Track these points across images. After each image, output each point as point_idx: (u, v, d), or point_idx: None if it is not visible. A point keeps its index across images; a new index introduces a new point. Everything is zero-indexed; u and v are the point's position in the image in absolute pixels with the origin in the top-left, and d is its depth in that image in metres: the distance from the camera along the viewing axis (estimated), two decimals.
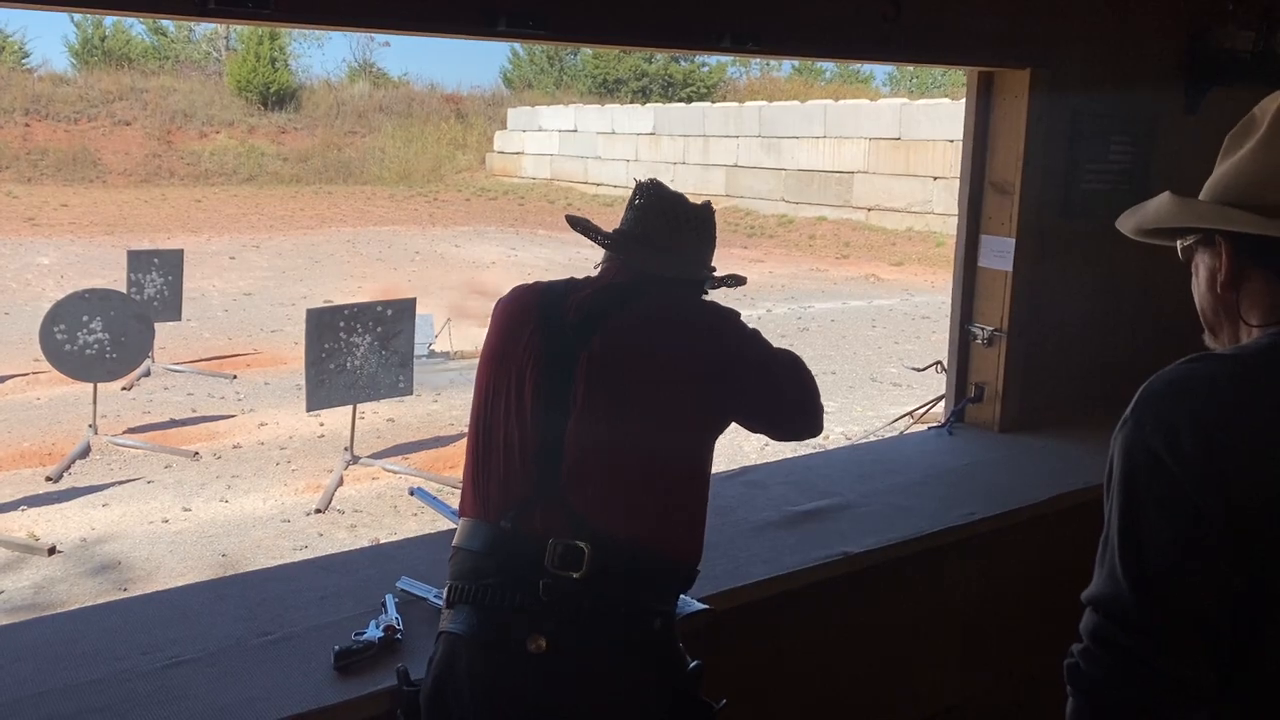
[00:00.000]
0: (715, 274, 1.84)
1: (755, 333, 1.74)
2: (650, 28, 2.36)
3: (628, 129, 22.47)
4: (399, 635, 1.90)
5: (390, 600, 2.02)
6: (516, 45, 32.47)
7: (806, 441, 2.74)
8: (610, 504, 1.56)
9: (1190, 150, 3.68)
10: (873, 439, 4.38)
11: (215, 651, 1.89)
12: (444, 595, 1.63)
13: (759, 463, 3.25)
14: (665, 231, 1.75)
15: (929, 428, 3.44)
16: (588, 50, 31.10)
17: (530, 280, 1.83)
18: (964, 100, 3.36)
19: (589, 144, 23.08)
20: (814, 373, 1.82)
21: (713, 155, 20.74)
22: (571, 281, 1.73)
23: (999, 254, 3.26)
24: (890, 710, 2.92)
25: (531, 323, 1.65)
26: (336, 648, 1.84)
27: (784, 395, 1.75)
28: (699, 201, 1.89)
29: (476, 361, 1.77)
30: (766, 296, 12.62)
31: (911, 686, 2.93)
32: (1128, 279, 3.55)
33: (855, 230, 17.65)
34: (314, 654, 1.87)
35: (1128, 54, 3.36)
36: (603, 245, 1.77)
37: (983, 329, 3.30)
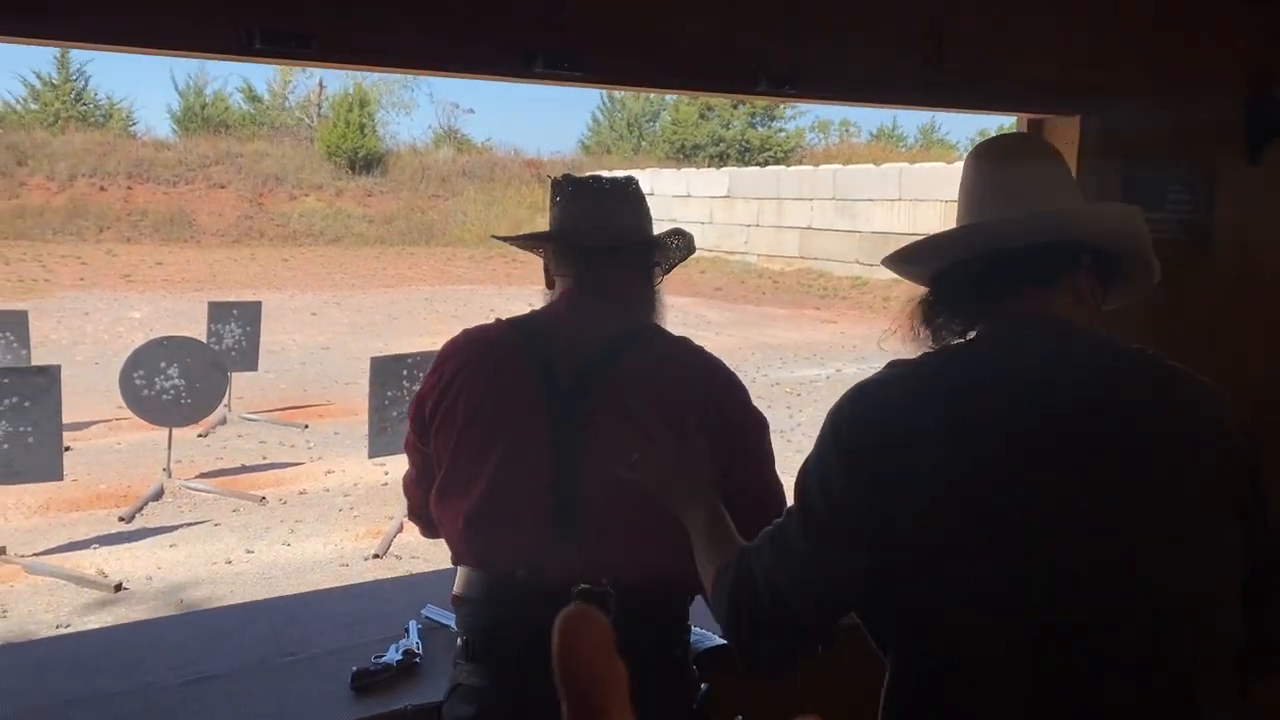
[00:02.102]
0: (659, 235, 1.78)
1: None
2: (687, 71, 2.41)
3: (703, 192, 22.72)
4: (418, 659, 1.92)
5: (413, 626, 2.04)
6: (597, 112, 33.25)
7: None
8: (629, 549, 1.56)
9: (1251, 201, 3.63)
10: None
11: (239, 669, 1.93)
12: (460, 647, 1.62)
13: None
14: (594, 208, 1.68)
15: None
16: (666, 117, 31.65)
17: None
18: None
19: (664, 207, 23.36)
20: None
21: (787, 218, 20.82)
22: (535, 319, 1.68)
23: None
24: None
25: (527, 372, 1.61)
26: (354, 668, 1.86)
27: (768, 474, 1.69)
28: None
29: None
30: (837, 357, 12.55)
31: None
32: (1193, 329, 3.47)
33: None
34: (334, 674, 1.90)
35: (1184, 104, 3.31)
36: (543, 242, 1.74)
37: None
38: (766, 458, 1.68)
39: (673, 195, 23.25)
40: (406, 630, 2.03)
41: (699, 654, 1.84)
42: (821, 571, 1.18)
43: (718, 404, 1.63)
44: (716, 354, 1.76)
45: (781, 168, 22.87)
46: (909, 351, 1.35)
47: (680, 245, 1.81)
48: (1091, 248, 1.31)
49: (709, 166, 25.50)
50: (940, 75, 2.80)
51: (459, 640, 1.63)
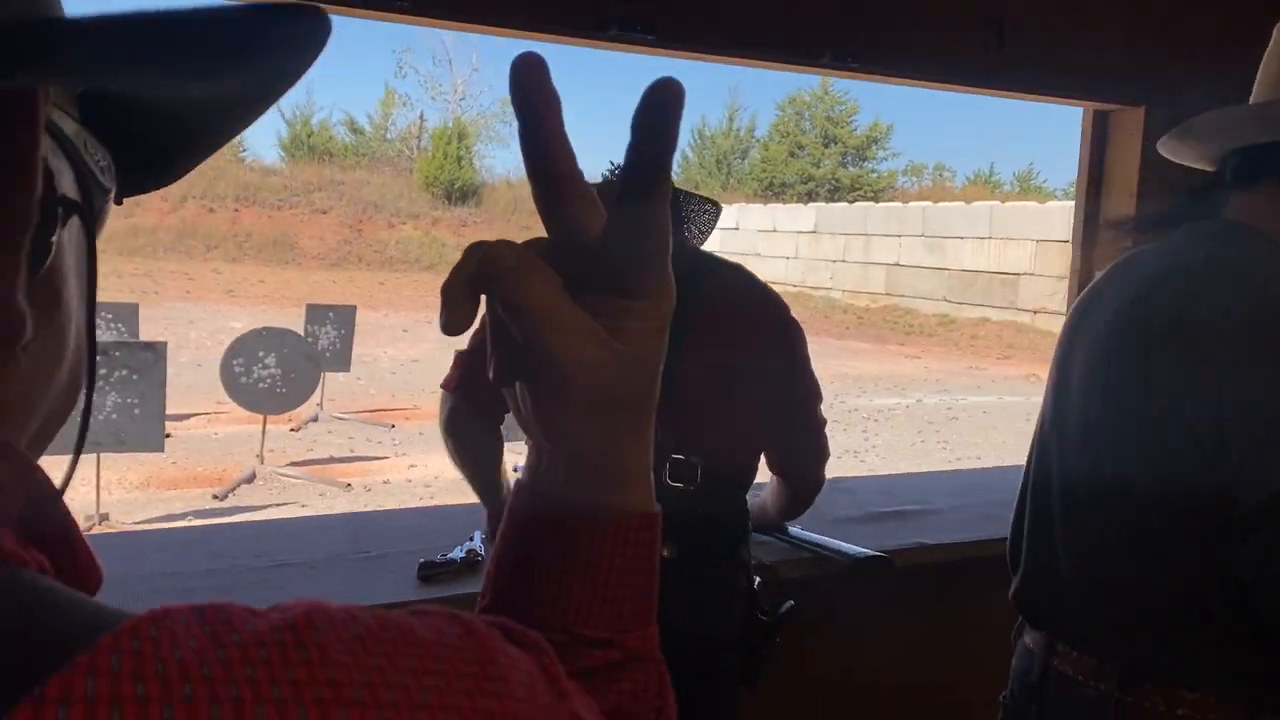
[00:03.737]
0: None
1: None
2: (754, 40, 2.56)
3: (789, 227, 22.80)
4: (480, 558, 2.08)
5: (478, 534, 2.20)
6: (687, 150, 33.65)
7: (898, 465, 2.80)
8: (712, 428, 1.78)
9: None
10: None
11: (317, 561, 2.11)
12: None
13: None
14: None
15: None
16: (755, 154, 31.86)
17: None
18: None
19: (750, 241, 23.50)
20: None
21: (874, 254, 20.77)
22: None
23: None
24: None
25: None
26: (421, 560, 2.03)
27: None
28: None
29: None
30: (919, 388, 12.47)
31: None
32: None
33: (1019, 332, 17.25)
34: (403, 568, 2.06)
35: (1247, 101, 3.35)
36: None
37: None
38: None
39: (758, 230, 23.38)
40: (471, 536, 2.19)
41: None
42: None
43: (780, 309, 1.90)
44: None
45: (870, 204, 22.83)
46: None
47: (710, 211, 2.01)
48: None
49: (796, 204, 25.58)
50: (1003, 61, 2.90)
51: None
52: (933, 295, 19.43)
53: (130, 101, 0.40)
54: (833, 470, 2.12)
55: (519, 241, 0.46)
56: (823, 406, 1.96)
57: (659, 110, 0.41)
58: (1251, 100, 1.38)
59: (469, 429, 1.84)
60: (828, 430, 1.98)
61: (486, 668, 0.32)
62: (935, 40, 2.82)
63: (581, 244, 0.45)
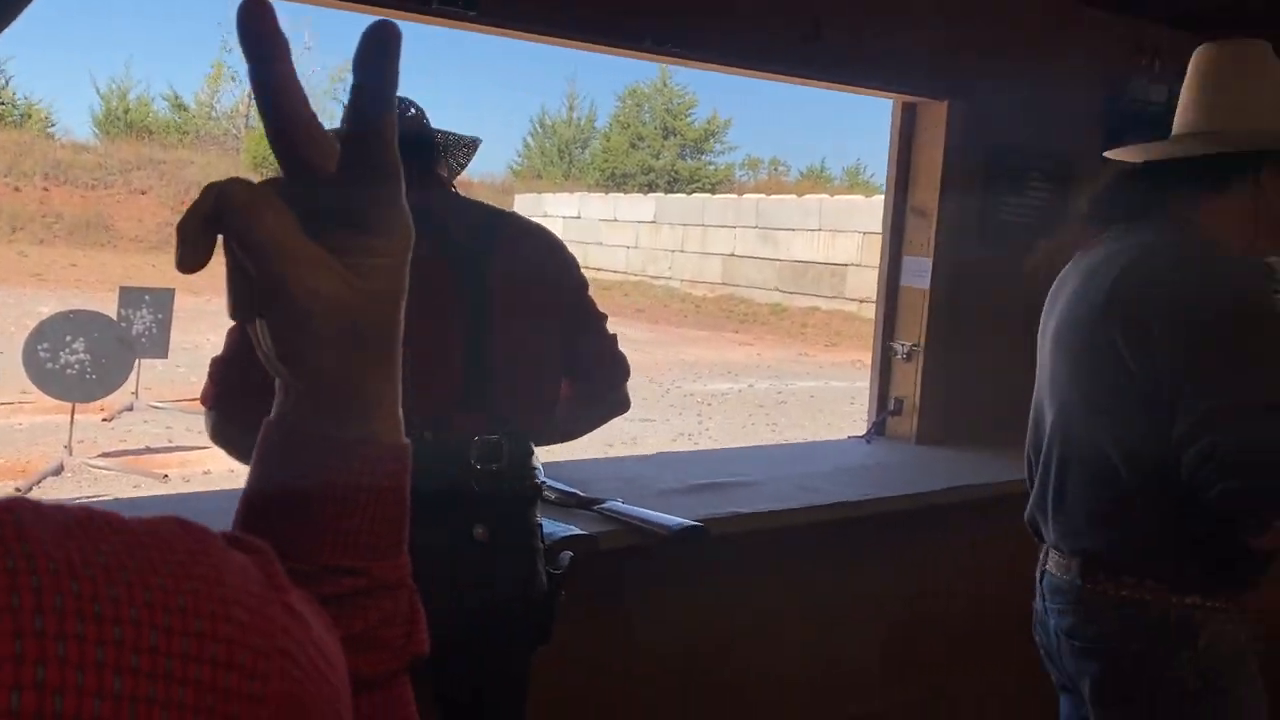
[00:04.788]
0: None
1: None
2: (576, 20, 2.59)
3: (630, 217, 23.00)
4: None
5: None
6: (528, 137, 33.46)
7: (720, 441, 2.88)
8: (523, 406, 1.77)
9: None
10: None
11: None
12: None
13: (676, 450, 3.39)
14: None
15: (849, 437, 3.58)
16: (597, 145, 31.99)
17: None
18: None
19: (592, 230, 23.58)
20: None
21: (711, 244, 21.19)
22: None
23: (918, 274, 3.45)
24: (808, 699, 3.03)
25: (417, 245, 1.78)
26: None
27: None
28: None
29: None
30: (751, 374, 12.82)
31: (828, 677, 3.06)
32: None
33: (847, 320, 17.93)
34: None
35: (1047, 98, 3.60)
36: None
37: (902, 345, 3.47)
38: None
39: (600, 219, 23.49)
40: None
41: (557, 540, 2.03)
42: None
43: (572, 267, 1.91)
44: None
45: (707, 195, 23.29)
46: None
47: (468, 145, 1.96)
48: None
49: (637, 194, 25.84)
50: (820, 51, 3.03)
51: None
52: (766, 285, 19.98)
53: None
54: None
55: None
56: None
57: (378, 48, 0.43)
58: (1177, 119, 1.73)
59: (238, 442, 1.70)
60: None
61: (198, 556, 0.33)
62: (754, 29, 2.92)
63: (315, 182, 0.46)
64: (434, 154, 1.87)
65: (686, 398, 10.70)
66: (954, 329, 3.46)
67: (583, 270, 1.98)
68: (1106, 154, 1.86)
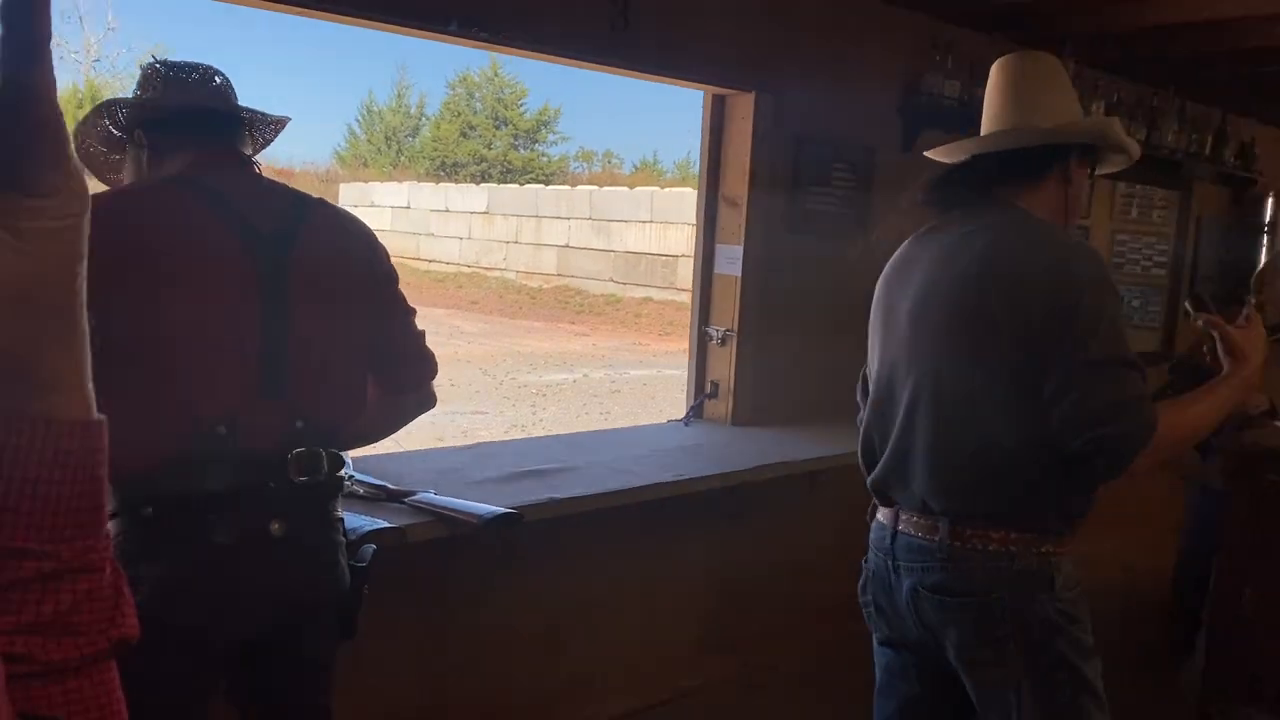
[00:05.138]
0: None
1: None
2: (382, 1, 2.54)
3: (461, 207, 22.68)
4: None
5: None
6: (354, 124, 32.49)
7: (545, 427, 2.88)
8: (325, 399, 1.70)
9: (905, 184, 4.13)
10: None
11: None
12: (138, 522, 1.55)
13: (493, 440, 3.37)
14: (199, 85, 1.76)
15: (669, 421, 3.66)
16: (427, 133, 31.41)
17: None
18: None
19: (422, 221, 23.14)
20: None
21: (545, 236, 21.14)
22: (203, 184, 1.66)
23: (730, 261, 3.55)
24: (620, 680, 3.08)
25: (225, 230, 1.61)
26: None
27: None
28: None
29: None
30: (586, 364, 12.88)
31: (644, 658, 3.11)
32: (854, 293, 3.91)
33: (679, 310, 18.22)
34: None
35: (849, 91, 3.76)
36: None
37: (717, 330, 3.57)
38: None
39: (430, 210, 23.08)
40: None
41: (361, 534, 1.99)
42: None
43: (381, 257, 1.84)
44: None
45: (541, 186, 23.21)
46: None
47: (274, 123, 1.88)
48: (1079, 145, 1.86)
49: (469, 184, 25.52)
50: (629, 40, 3.07)
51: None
52: (601, 276, 20.09)
53: None
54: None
55: None
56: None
57: None
58: (986, 119, 1.91)
59: None
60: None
61: None
62: (562, 15, 2.93)
63: None
64: (238, 130, 1.79)
65: (521, 389, 10.66)
66: (765, 314, 3.58)
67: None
68: (926, 153, 2.01)
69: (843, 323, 3.99)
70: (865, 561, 1.93)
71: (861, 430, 1.94)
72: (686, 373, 3.72)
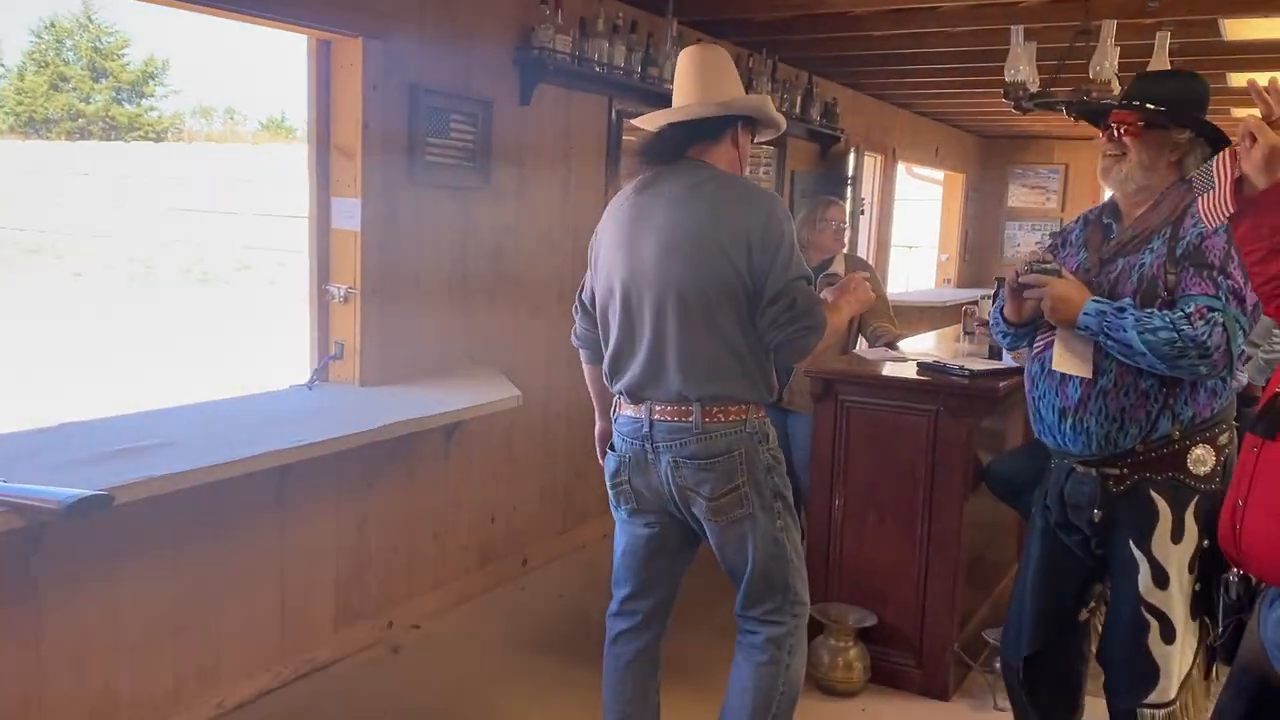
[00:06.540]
0: None
1: None
2: None
3: (59, 169, 20.25)
4: None
5: None
6: None
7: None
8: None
9: (525, 136, 4.18)
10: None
11: None
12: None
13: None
14: None
15: (290, 386, 3.47)
16: (7, 84, 27.62)
17: None
18: None
19: (3, 182, 20.41)
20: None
21: (161, 198, 19.39)
22: None
23: (347, 215, 3.40)
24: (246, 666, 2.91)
25: None
26: None
27: None
28: None
29: None
30: None
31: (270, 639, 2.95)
32: (481, 246, 3.91)
33: None
34: None
35: (462, 42, 3.71)
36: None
37: (339, 288, 3.42)
38: None
39: (19, 171, 20.38)
40: None
41: None
42: None
43: None
44: None
45: (151, 143, 21.23)
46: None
47: None
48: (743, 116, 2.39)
49: (64, 141, 22.79)
50: None
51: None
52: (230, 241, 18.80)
53: None
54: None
55: None
56: None
57: None
58: (676, 95, 2.39)
59: None
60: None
61: None
62: None
63: None
64: None
65: None
66: (389, 270, 3.48)
67: None
68: (632, 121, 2.57)
69: (472, 276, 4.01)
70: (612, 450, 2.41)
71: (610, 348, 2.38)
72: (308, 334, 3.53)
